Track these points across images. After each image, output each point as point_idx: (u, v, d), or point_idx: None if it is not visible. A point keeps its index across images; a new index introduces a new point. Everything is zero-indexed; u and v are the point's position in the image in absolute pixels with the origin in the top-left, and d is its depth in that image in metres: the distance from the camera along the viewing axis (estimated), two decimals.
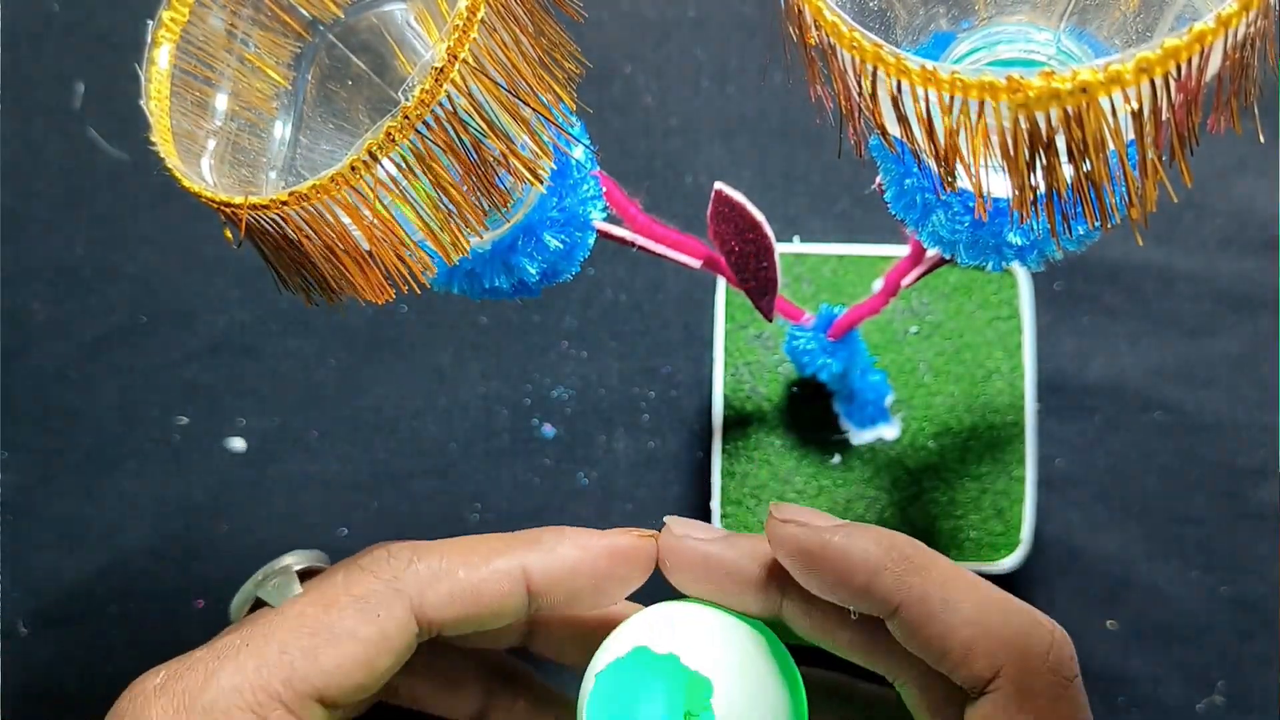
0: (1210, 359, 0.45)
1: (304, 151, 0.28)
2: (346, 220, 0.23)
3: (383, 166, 0.22)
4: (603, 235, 0.32)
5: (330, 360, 0.47)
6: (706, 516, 0.41)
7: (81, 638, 0.45)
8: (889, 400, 0.41)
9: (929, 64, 0.19)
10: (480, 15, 0.22)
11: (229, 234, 0.23)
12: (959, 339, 0.42)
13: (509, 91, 0.23)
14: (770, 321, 0.37)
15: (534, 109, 0.24)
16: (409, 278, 0.25)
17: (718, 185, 0.32)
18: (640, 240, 0.33)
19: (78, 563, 0.46)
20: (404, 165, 0.22)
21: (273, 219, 0.22)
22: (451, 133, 0.23)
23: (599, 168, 0.31)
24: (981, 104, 0.19)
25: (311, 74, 0.28)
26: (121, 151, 0.50)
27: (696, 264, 0.34)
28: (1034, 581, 0.43)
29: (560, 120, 0.29)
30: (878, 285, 0.41)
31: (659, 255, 0.34)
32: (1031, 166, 0.21)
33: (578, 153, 0.29)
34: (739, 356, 0.42)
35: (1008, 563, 0.39)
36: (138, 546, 0.46)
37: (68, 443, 0.47)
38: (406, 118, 0.22)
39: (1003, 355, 0.41)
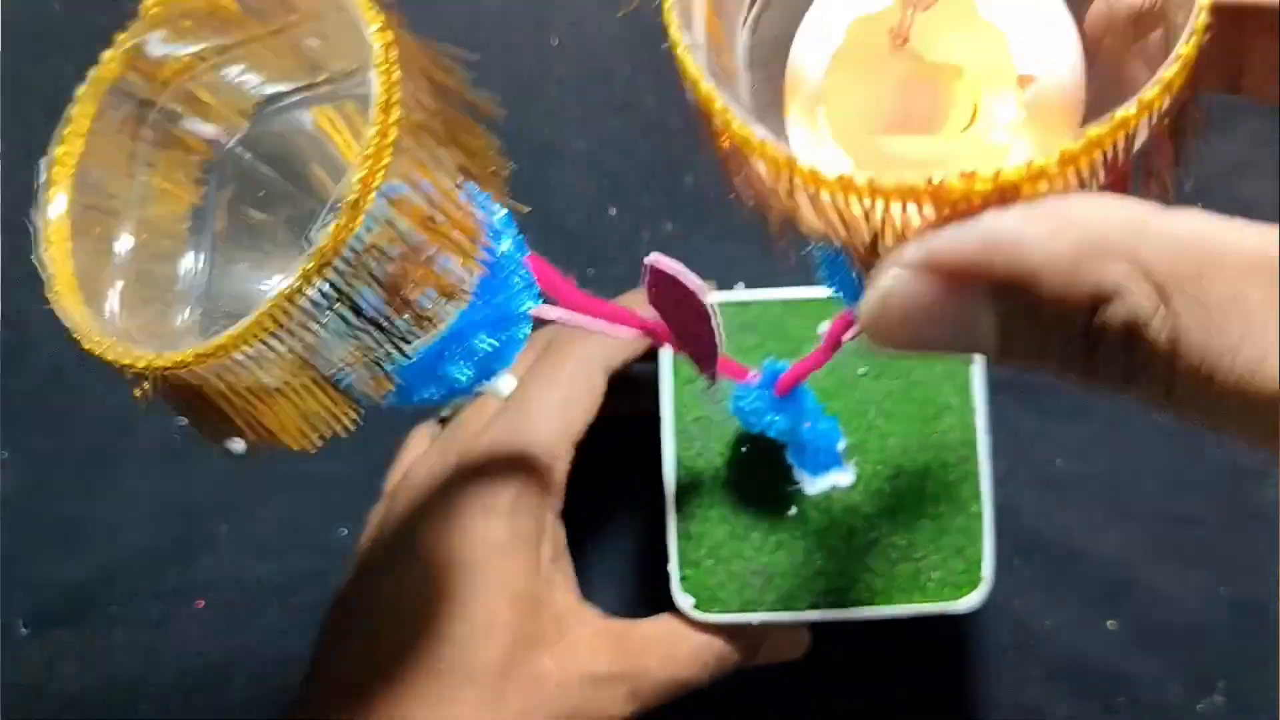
0: None
1: (219, 273, 0.26)
2: (260, 371, 0.22)
3: (299, 308, 0.21)
4: (537, 320, 0.31)
5: None
6: (664, 580, 0.40)
7: (81, 638, 0.45)
8: (841, 445, 0.40)
9: (845, 173, 0.19)
10: (391, 140, 0.22)
11: (137, 393, 0.22)
12: (908, 377, 0.41)
13: (429, 213, 0.23)
14: (714, 384, 0.36)
15: (456, 226, 0.23)
16: (331, 422, 0.24)
17: (651, 259, 0.31)
18: (576, 319, 0.33)
19: (78, 563, 0.45)
20: (321, 304, 0.21)
21: (181, 376, 0.21)
22: (371, 264, 0.22)
23: (529, 252, 0.30)
24: (904, 205, 0.19)
25: (222, 190, 0.27)
26: None
27: (634, 335, 0.34)
28: (1034, 583, 0.43)
29: (487, 219, 0.28)
30: (824, 328, 0.41)
31: (596, 331, 0.33)
32: None
33: (506, 245, 0.29)
34: (687, 413, 0.41)
35: (971, 600, 0.39)
36: (138, 546, 0.46)
37: (68, 443, 0.47)
38: (322, 258, 0.21)
39: (952, 390, 0.41)
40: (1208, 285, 0.15)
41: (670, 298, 0.33)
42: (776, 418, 0.37)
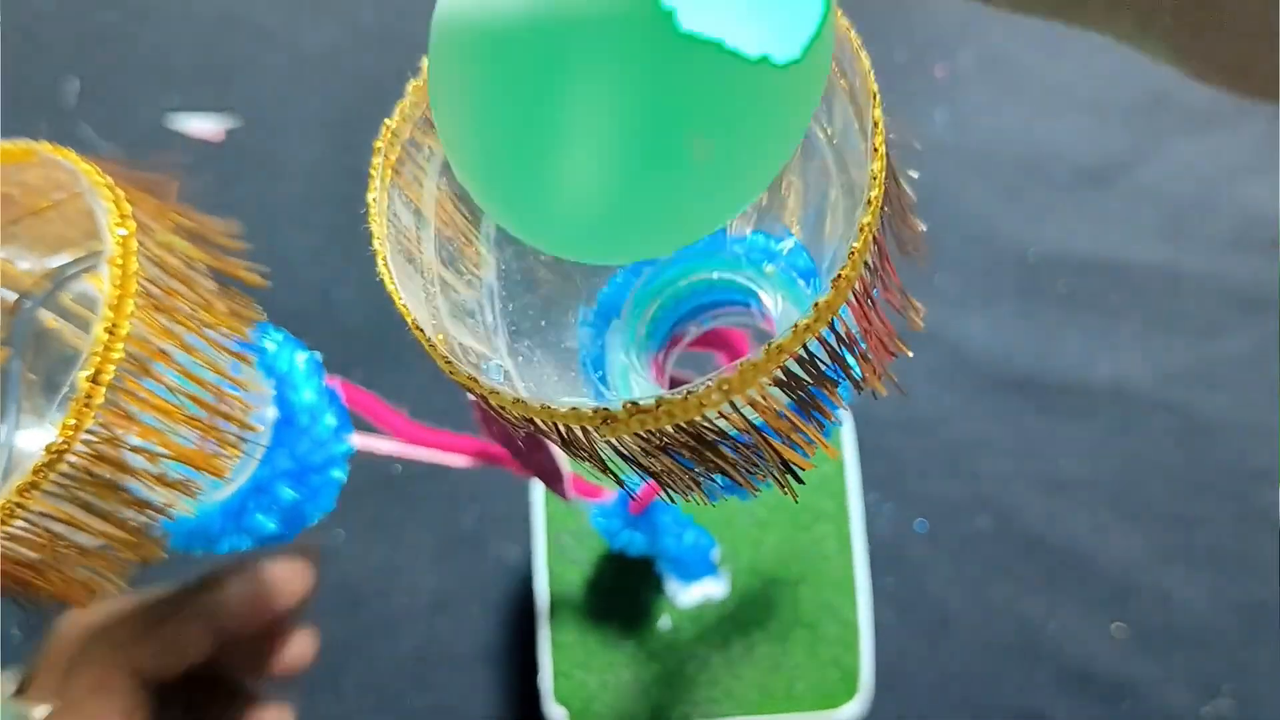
0: (1218, 360, 0.44)
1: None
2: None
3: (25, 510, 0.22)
4: (364, 453, 0.31)
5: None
6: (536, 692, 0.40)
7: None
8: (715, 553, 0.40)
9: (527, 398, 0.19)
10: (118, 349, 0.22)
11: None
12: None
13: (170, 403, 0.23)
14: (568, 502, 0.36)
15: (207, 408, 0.24)
16: (105, 584, 0.24)
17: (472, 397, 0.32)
18: (406, 451, 0.33)
19: None
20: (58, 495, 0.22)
21: None
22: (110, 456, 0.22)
23: (339, 389, 0.30)
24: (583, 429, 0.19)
25: (23, 352, 0.28)
26: (115, 148, 0.49)
27: (466, 463, 0.34)
28: (1041, 585, 0.42)
29: (282, 374, 0.28)
30: None
31: (428, 461, 0.33)
32: (652, 470, 0.20)
33: (308, 394, 0.29)
34: (560, 524, 0.41)
35: (848, 710, 0.39)
36: None
37: None
38: (54, 454, 0.21)
39: (827, 497, 0.41)
40: None
41: (501, 428, 0.33)
42: (634, 536, 0.37)
